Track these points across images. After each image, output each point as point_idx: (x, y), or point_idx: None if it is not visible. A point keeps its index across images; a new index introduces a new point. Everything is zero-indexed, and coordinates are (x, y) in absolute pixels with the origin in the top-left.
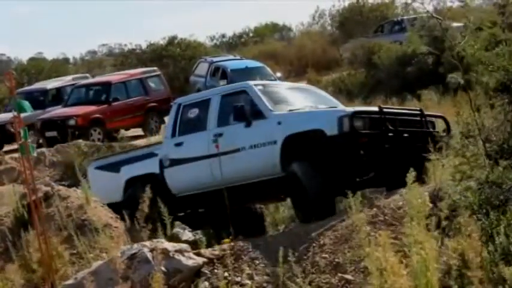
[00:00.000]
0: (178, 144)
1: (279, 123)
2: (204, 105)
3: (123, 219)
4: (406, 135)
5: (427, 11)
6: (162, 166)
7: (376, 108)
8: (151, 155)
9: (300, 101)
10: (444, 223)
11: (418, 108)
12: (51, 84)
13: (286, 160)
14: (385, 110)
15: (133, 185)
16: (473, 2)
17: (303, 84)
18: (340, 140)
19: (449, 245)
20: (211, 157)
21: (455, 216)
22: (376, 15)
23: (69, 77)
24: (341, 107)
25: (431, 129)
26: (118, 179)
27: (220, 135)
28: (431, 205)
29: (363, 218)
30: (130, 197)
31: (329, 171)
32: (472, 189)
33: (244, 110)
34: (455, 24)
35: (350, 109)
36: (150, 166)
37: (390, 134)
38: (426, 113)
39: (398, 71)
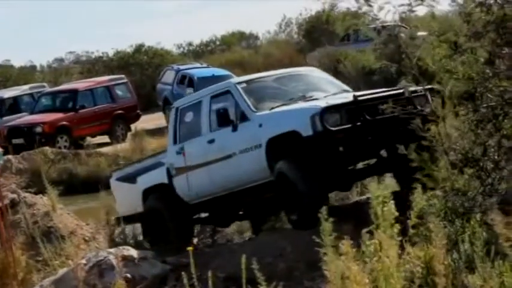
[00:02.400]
0: (180, 152)
1: (260, 125)
2: (197, 108)
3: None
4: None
5: (384, 22)
6: (169, 175)
7: (350, 98)
8: (159, 164)
9: (288, 93)
10: (412, 231)
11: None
12: (8, 93)
13: (273, 163)
14: (360, 98)
15: (150, 196)
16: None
17: (297, 69)
18: (316, 141)
19: (413, 252)
20: (209, 164)
21: (421, 224)
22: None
23: (26, 86)
24: (329, 97)
25: (420, 107)
26: (136, 190)
27: (213, 141)
28: (397, 213)
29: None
30: (148, 209)
31: (314, 169)
32: (438, 196)
33: (227, 115)
34: (420, 33)
35: (321, 104)
36: (160, 176)
37: (370, 124)
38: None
39: (364, 80)
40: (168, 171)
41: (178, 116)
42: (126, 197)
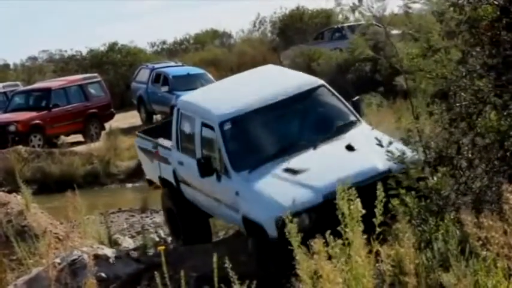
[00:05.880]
0: (181, 163)
1: (237, 193)
2: (192, 123)
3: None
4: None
5: (370, 17)
6: (176, 178)
7: (320, 199)
8: (168, 161)
9: (277, 137)
10: (379, 229)
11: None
12: None
13: (248, 232)
14: (332, 196)
15: (164, 190)
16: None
17: (302, 87)
18: (281, 242)
19: (384, 251)
20: (204, 194)
21: (393, 222)
22: (316, 22)
23: None
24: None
25: None
26: (154, 168)
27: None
28: (364, 211)
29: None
30: (163, 206)
31: (277, 260)
32: (411, 195)
33: (208, 165)
34: (395, 32)
35: (286, 206)
36: (168, 174)
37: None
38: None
39: (338, 78)
40: (175, 174)
41: (179, 119)
42: (148, 167)
